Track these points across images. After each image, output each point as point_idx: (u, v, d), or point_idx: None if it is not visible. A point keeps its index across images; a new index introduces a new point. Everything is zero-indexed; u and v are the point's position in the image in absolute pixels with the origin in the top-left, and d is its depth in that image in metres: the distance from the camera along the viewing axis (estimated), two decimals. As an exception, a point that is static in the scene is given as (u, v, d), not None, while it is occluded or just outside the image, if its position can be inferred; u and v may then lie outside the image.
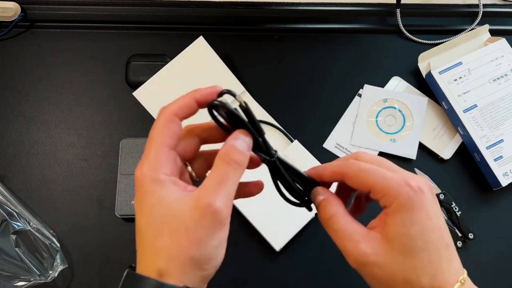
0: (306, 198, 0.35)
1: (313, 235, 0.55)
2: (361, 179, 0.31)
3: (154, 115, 0.56)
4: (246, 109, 0.29)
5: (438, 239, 0.30)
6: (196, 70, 0.57)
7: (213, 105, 0.30)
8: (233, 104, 0.29)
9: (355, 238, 0.31)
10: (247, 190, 0.35)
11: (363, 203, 0.36)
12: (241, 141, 0.30)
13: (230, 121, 0.30)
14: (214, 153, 0.30)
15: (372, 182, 0.30)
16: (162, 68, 0.57)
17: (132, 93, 0.55)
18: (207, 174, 0.30)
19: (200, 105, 0.31)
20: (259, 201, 0.54)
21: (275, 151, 0.32)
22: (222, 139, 0.32)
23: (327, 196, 0.34)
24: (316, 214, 0.55)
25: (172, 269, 0.28)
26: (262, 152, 0.32)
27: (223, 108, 0.29)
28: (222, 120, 0.31)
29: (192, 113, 0.31)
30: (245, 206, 0.54)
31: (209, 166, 0.33)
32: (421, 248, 0.29)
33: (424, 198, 0.30)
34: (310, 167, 0.35)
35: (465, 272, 0.31)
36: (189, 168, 0.33)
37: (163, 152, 0.29)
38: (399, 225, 0.30)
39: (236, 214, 0.54)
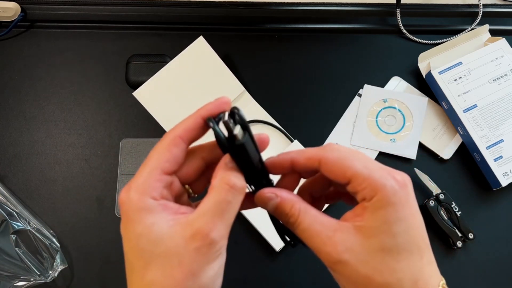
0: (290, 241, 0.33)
1: None
2: (341, 167, 0.27)
3: (154, 115, 0.56)
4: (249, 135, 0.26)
5: (421, 240, 0.28)
6: (196, 70, 0.57)
7: (215, 119, 0.27)
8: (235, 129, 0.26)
9: (325, 234, 0.27)
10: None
11: (322, 203, 0.32)
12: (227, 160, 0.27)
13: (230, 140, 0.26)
14: (213, 167, 0.28)
15: (353, 171, 0.27)
16: (162, 68, 0.57)
17: (132, 93, 0.55)
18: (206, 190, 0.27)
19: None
20: None
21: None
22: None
23: (280, 196, 0.29)
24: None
25: None
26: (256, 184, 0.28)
27: (226, 126, 0.26)
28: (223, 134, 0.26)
29: (200, 133, 0.28)
30: None
31: (209, 180, 0.29)
32: (404, 249, 0.26)
33: (409, 193, 0.27)
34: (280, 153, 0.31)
35: (443, 278, 0.29)
36: (186, 185, 0.30)
37: (154, 176, 0.26)
38: (380, 221, 0.26)
39: (238, 215, 0.54)
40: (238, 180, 0.27)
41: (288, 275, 0.54)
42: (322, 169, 0.28)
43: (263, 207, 0.30)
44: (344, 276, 0.27)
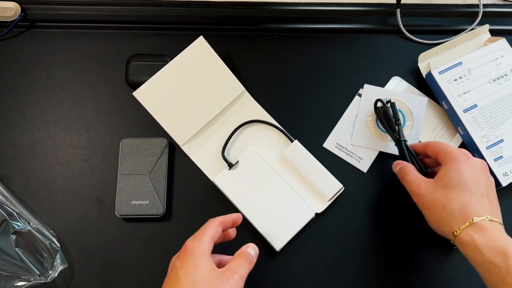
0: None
1: (313, 236, 0.55)
2: (434, 147, 0.50)
3: (154, 115, 0.56)
4: None
5: (473, 185, 0.45)
6: (196, 70, 0.57)
7: None
8: None
9: (417, 183, 0.49)
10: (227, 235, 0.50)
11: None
12: (251, 249, 0.46)
13: None
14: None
15: (438, 148, 0.49)
16: (162, 68, 0.57)
17: (132, 93, 0.55)
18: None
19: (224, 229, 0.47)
20: (260, 201, 0.55)
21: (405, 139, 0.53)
22: (231, 227, 0.48)
23: (403, 164, 0.52)
24: (316, 214, 0.55)
25: None
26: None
27: None
28: None
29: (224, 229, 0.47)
30: (246, 206, 0.54)
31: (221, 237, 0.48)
32: (457, 186, 0.45)
33: (469, 160, 0.47)
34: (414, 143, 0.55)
35: (497, 218, 0.45)
36: None
37: (209, 239, 0.43)
38: (445, 169, 0.47)
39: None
40: (252, 258, 0.46)
41: (288, 275, 0.54)
42: (427, 151, 0.51)
43: (395, 170, 0.53)
44: (422, 203, 0.48)
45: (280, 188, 0.55)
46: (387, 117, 0.55)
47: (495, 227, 0.43)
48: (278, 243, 0.53)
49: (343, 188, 0.56)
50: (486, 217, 0.43)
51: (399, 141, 0.54)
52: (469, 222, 0.43)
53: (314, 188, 0.56)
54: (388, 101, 0.56)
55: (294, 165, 0.56)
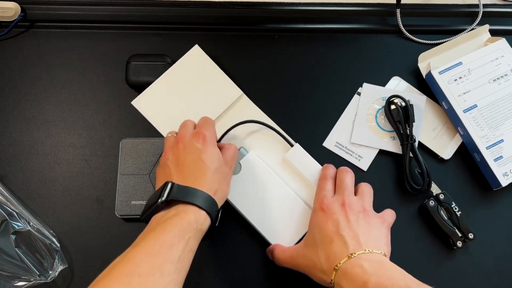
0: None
1: None
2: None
3: (153, 123, 0.57)
4: None
5: (333, 233, 0.47)
6: (193, 78, 0.58)
7: None
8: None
9: (287, 254, 0.51)
10: None
11: None
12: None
13: None
14: None
15: None
16: (161, 69, 0.57)
17: (131, 102, 0.56)
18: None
19: None
20: (263, 205, 0.54)
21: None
22: None
23: (274, 250, 0.52)
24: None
25: (220, 193, 0.47)
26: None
27: None
28: None
29: None
30: (249, 210, 0.54)
31: None
32: (320, 241, 0.47)
33: (327, 211, 0.49)
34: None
35: (360, 251, 0.44)
36: None
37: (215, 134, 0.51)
38: (309, 228, 0.51)
39: (239, 218, 0.54)
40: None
41: (289, 279, 0.54)
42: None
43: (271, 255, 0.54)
44: (298, 266, 0.50)
45: (283, 192, 0.55)
46: (405, 116, 0.56)
47: (357, 264, 0.43)
48: None
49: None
50: (348, 256, 0.44)
51: (409, 142, 0.55)
52: (334, 269, 0.44)
53: (316, 191, 0.55)
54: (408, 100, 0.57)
55: (296, 168, 0.56)
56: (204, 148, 0.47)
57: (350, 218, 0.47)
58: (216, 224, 0.47)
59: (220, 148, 0.51)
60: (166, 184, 0.45)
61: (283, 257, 0.50)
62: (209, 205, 0.44)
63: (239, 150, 0.54)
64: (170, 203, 0.44)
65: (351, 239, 0.45)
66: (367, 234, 0.46)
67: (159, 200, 0.43)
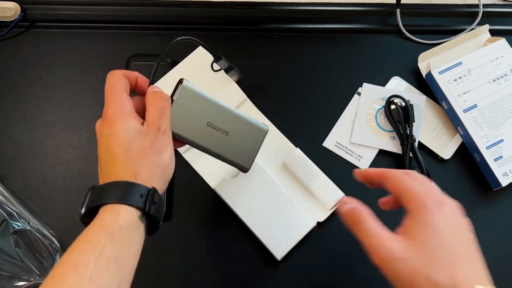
0: None
1: (315, 245, 0.55)
2: (394, 183, 0.37)
3: None
4: None
5: (455, 245, 0.33)
6: (196, 79, 0.57)
7: None
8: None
9: (383, 236, 0.34)
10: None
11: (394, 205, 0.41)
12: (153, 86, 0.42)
13: None
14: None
15: (400, 188, 0.36)
16: (161, 69, 0.57)
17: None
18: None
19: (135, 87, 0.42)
20: (261, 210, 0.54)
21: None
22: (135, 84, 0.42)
23: (355, 204, 0.37)
24: (317, 223, 0.54)
25: (144, 173, 0.37)
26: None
27: None
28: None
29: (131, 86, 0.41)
30: (247, 214, 0.54)
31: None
32: (439, 248, 0.32)
33: (443, 207, 0.34)
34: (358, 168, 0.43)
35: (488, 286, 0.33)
36: None
37: (125, 96, 0.39)
38: (420, 225, 0.33)
39: (238, 222, 0.54)
40: (166, 94, 0.41)
41: (289, 285, 0.53)
42: (385, 185, 0.38)
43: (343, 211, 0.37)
44: (395, 271, 0.33)
45: (281, 197, 0.54)
46: (405, 116, 0.56)
47: None
48: (279, 252, 0.53)
49: (345, 196, 0.55)
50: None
51: (409, 142, 0.54)
52: None
53: (315, 197, 0.55)
54: (408, 100, 0.57)
55: (295, 173, 0.56)
56: (111, 130, 0.38)
57: (470, 229, 0.39)
58: (164, 208, 0.40)
59: (146, 105, 0.41)
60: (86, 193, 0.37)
61: (372, 230, 0.34)
62: (126, 194, 0.36)
63: (178, 87, 0.43)
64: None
65: (479, 264, 0.36)
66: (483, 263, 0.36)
67: (80, 216, 0.37)
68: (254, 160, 0.48)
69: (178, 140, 0.43)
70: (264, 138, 0.49)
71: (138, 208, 0.36)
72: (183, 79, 0.43)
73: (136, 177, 0.37)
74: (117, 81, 0.39)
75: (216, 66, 0.47)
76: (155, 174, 0.38)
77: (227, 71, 0.45)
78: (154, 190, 0.37)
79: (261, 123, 0.48)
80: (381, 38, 0.63)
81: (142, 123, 0.39)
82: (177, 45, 0.60)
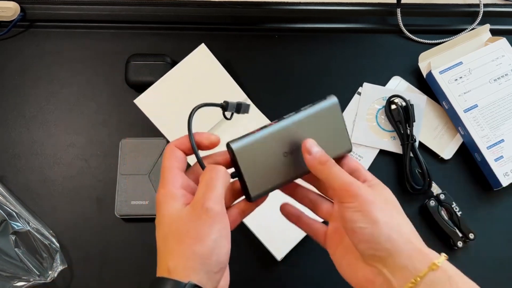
0: None
1: (315, 245, 0.54)
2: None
3: (155, 122, 0.56)
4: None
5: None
6: (197, 78, 0.57)
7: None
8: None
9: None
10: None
11: None
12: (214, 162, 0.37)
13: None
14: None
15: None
16: (160, 69, 0.57)
17: (133, 101, 0.55)
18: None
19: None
20: (261, 210, 0.54)
21: None
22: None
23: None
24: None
25: (178, 266, 0.31)
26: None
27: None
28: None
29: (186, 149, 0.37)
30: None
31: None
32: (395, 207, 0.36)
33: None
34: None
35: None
36: None
37: (173, 175, 0.34)
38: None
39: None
40: (220, 166, 0.34)
41: (290, 285, 0.53)
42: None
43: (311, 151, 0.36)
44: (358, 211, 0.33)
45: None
46: (405, 116, 0.55)
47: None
48: (279, 253, 0.53)
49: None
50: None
51: (410, 142, 0.54)
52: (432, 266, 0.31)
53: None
54: (408, 100, 0.57)
55: None
56: (157, 217, 0.34)
57: None
58: None
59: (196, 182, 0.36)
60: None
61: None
62: None
63: (233, 156, 0.36)
64: None
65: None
66: None
67: None
68: (349, 136, 0.41)
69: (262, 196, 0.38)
70: (339, 108, 0.40)
71: None
72: (229, 143, 0.36)
73: (170, 272, 0.31)
74: (166, 157, 0.35)
75: (228, 114, 0.40)
76: (192, 266, 0.31)
77: (238, 111, 0.40)
78: (192, 286, 0.30)
79: (323, 100, 0.39)
80: (381, 38, 0.63)
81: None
82: (177, 45, 0.60)
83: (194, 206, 0.32)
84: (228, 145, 0.36)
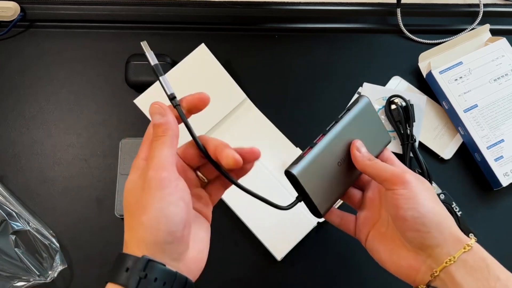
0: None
1: (315, 245, 0.55)
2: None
3: None
4: None
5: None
6: (197, 78, 0.57)
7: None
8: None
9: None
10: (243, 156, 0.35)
11: None
12: (157, 116, 0.34)
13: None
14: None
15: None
16: (161, 69, 0.57)
17: (133, 101, 0.55)
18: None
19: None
20: (261, 210, 0.54)
21: None
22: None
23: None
24: (318, 223, 0.54)
25: (132, 239, 0.30)
26: None
27: None
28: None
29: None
30: (247, 215, 0.54)
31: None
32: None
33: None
34: None
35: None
36: (198, 173, 0.37)
37: (145, 144, 0.35)
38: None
39: (237, 223, 0.54)
40: (157, 128, 0.34)
41: (290, 285, 0.53)
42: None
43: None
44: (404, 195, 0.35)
45: (282, 197, 0.54)
46: (405, 116, 0.56)
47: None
48: (279, 253, 0.53)
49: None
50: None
51: (410, 142, 0.55)
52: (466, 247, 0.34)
53: None
54: (408, 100, 0.57)
55: None
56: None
57: None
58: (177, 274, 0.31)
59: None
60: None
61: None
62: (113, 270, 0.30)
63: (295, 182, 0.38)
64: None
65: None
66: None
67: None
68: (386, 129, 0.43)
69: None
70: (373, 106, 0.42)
71: (124, 286, 0.28)
72: (288, 170, 0.37)
73: (127, 246, 0.30)
74: (149, 129, 0.35)
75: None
76: (142, 238, 0.29)
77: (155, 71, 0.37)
78: (146, 260, 0.28)
79: (356, 103, 0.41)
80: (381, 38, 0.63)
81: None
82: (177, 45, 0.60)
83: (141, 177, 0.31)
84: (288, 172, 0.37)
